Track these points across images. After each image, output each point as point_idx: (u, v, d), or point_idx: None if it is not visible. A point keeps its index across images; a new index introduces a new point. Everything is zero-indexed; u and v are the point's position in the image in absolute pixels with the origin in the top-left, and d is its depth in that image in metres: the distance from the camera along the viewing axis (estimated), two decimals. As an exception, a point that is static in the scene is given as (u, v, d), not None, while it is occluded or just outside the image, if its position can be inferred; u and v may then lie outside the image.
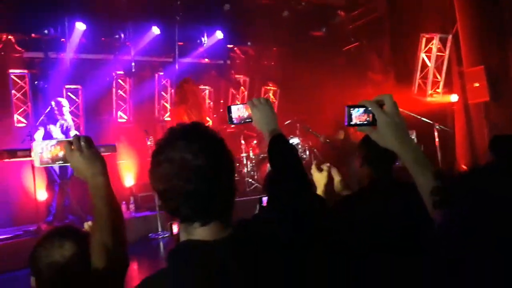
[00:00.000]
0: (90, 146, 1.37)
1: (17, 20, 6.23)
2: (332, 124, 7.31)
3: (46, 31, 6.44)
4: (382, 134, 1.17)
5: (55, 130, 5.84)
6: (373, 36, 8.22)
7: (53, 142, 1.37)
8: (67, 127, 5.98)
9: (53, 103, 5.94)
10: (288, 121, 7.20)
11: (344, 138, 7.19)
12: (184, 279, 0.99)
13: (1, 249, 4.99)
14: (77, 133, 6.15)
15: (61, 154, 1.36)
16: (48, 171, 5.76)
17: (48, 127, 5.84)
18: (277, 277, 1.04)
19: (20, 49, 6.62)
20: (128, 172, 7.42)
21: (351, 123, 1.23)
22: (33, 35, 6.60)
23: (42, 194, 5.98)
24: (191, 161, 1.01)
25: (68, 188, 5.92)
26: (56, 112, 5.91)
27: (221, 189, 1.05)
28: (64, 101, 6.08)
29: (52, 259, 1.36)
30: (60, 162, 1.36)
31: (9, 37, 6.48)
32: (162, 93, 8.27)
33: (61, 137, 5.82)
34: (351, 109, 1.22)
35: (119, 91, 7.80)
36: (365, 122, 1.22)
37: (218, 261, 1.00)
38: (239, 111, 1.53)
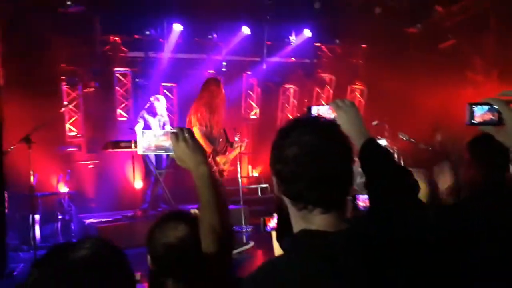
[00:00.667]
0: (193, 137, 1.45)
1: (123, 23, 6.80)
2: (426, 126, 6.91)
3: (147, 32, 6.97)
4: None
5: (154, 124, 6.29)
6: (473, 32, 7.60)
7: (161, 132, 1.46)
8: (164, 122, 6.43)
9: (152, 99, 6.40)
10: (376, 122, 6.94)
11: (441, 141, 6.76)
12: (310, 269, 0.99)
13: (103, 230, 5.54)
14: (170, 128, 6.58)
15: (166, 144, 1.45)
16: (145, 161, 6.22)
17: (147, 120, 6.32)
18: (401, 278, 1.02)
19: (124, 49, 7.24)
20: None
21: (473, 121, 1.16)
22: (136, 36, 7.18)
23: (139, 183, 6.51)
24: (321, 145, 1.03)
25: (162, 178, 6.36)
26: (156, 107, 6.35)
27: (345, 177, 1.05)
28: (161, 98, 6.52)
29: (167, 239, 1.46)
30: (162, 151, 1.46)
31: (116, 38, 7.13)
32: (249, 91, 8.50)
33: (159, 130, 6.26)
34: (474, 106, 1.16)
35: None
36: (490, 121, 1.15)
37: (342, 254, 0.99)
38: (319, 112, 1.47)
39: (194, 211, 1.79)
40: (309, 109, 1.50)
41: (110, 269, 1.04)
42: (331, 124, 1.12)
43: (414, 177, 1.32)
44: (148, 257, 1.52)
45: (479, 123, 1.17)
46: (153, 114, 6.35)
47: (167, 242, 1.46)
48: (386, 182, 1.30)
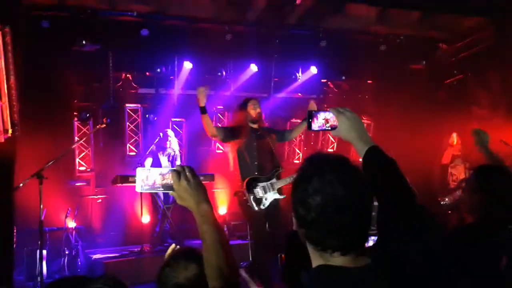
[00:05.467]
0: (194, 175, 1.42)
1: (134, 61, 7.03)
2: (430, 160, 6.88)
3: (158, 70, 7.15)
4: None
5: (163, 159, 6.36)
6: (479, 68, 7.69)
7: (162, 170, 1.43)
8: (173, 156, 6.49)
9: (161, 134, 6.50)
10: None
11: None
12: None
13: (110, 265, 5.50)
14: (179, 163, 6.64)
15: (167, 182, 1.41)
16: (153, 197, 6.26)
17: (158, 155, 6.39)
18: None
19: (135, 85, 7.44)
20: (223, 200, 7.75)
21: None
22: (147, 73, 7.39)
23: (146, 218, 6.50)
24: (343, 195, 1.04)
25: (170, 213, 6.36)
26: (168, 142, 6.45)
27: (365, 223, 1.07)
28: (170, 132, 6.63)
29: (177, 280, 1.46)
30: (162, 189, 1.42)
31: (127, 75, 7.33)
32: (257, 126, 8.61)
33: (167, 164, 6.32)
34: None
35: (218, 124, 8.29)
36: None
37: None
38: (321, 117, 1.44)
39: None
40: (310, 114, 1.45)
41: None
42: (355, 170, 1.11)
43: (412, 187, 1.31)
44: None
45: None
46: (163, 149, 6.42)
47: (176, 283, 1.45)
48: (388, 190, 1.28)
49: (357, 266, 1.04)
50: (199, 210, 1.39)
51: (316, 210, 1.04)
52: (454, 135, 6.66)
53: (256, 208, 4.51)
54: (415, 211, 1.25)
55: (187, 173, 1.41)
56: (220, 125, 4.64)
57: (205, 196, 1.42)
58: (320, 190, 1.05)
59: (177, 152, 6.60)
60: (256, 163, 4.61)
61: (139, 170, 1.41)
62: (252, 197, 4.55)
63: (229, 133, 4.65)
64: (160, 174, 1.42)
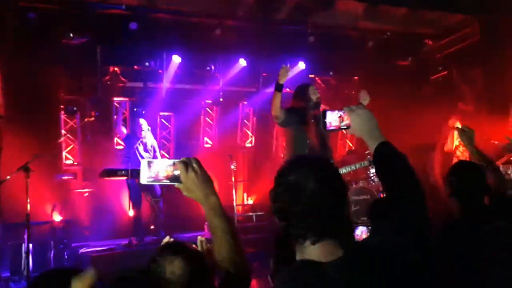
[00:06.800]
0: (201, 167, 1.40)
1: (123, 55, 6.96)
2: (415, 154, 6.99)
3: (146, 64, 7.11)
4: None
5: (141, 148, 6.31)
6: (464, 64, 7.83)
7: (168, 162, 1.39)
8: (152, 146, 6.42)
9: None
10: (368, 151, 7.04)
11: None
12: None
13: (97, 259, 5.49)
14: (158, 153, 6.57)
15: (171, 173, 1.38)
16: (135, 189, 6.19)
17: (137, 147, 6.31)
18: None
19: (123, 79, 7.38)
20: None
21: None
22: (135, 67, 7.34)
23: (132, 212, 6.48)
24: (303, 184, 1.11)
25: (161, 205, 6.34)
26: (142, 132, 6.36)
27: (330, 211, 1.11)
28: (142, 121, 6.46)
29: (163, 275, 1.45)
30: (166, 181, 1.38)
31: (115, 69, 7.27)
32: (245, 121, 8.65)
33: (148, 155, 6.27)
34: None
35: (206, 118, 8.31)
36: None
37: (329, 283, 1.04)
38: (334, 116, 1.46)
39: (201, 239, 1.77)
40: (324, 113, 1.47)
41: None
42: (323, 164, 1.19)
43: (421, 184, 1.31)
44: None
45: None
46: (137, 139, 6.32)
47: (163, 278, 1.45)
48: (398, 185, 1.29)
49: (329, 261, 1.07)
50: (208, 202, 1.39)
51: (279, 200, 1.14)
52: (455, 119, 6.77)
53: None
54: (421, 208, 1.26)
55: (194, 165, 1.38)
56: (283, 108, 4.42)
57: (212, 188, 1.41)
58: (282, 182, 1.14)
59: (154, 142, 6.53)
60: (311, 149, 4.40)
61: (143, 162, 1.39)
62: None
63: (290, 118, 4.41)
64: (164, 166, 1.39)
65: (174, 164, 1.39)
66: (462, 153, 6.60)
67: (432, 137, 7.36)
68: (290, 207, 1.11)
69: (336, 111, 1.46)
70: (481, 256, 1.84)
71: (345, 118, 1.44)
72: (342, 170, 4.65)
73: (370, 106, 8.04)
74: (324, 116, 1.46)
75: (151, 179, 1.37)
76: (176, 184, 1.38)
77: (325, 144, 4.56)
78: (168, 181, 1.38)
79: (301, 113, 4.46)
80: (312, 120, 4.48)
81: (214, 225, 1.39)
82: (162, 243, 1.68)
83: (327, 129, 1.45)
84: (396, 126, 7.59)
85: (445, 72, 8.25)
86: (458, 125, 6.26)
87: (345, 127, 1.45)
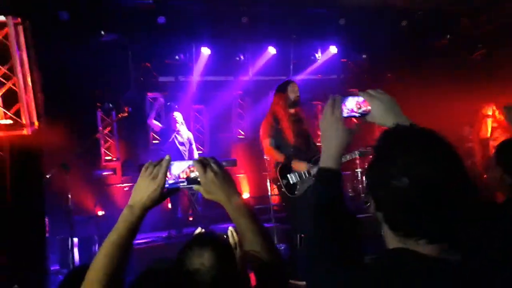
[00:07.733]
0: (220, 166, 1.31)
1: (154, 49, 7.05)
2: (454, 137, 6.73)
3: (177, 57, 7.16)
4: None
5: (178, 141, 6.40)
6: (503, 41, 7.42)
7: (184, 163, 1.30)
8: (188, 138, 6.50)
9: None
10: None
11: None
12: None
13: (138, 251, 5.61)
14: (194, 145, 6.64)
15: (189, 175, 1.29)
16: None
17: (174, 141, 6.41)
18: None
19: (155, 74, 7.48)
20: (245, 185, 7.80)
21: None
22: (166, 61, 7.41)
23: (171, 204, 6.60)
24: (432, 178, 0.92)
25: (199, 196, 6.42)
26: (177, 124, 6.43)
27: (457, 208, 0.94)
28: (176, 114, 6.57)
29: (192, 266, 1.41)
30: (185, 183, 1.29)
31: (147, 64, 7.37)
32: (276, 110, 8.56)
33: (182, 148, 6.35)
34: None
35: (238, 109, 8.30)
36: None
37: (443, 281, 0.91)
38: (351, 102, 1.32)
39: (231, 229, 1.75)
40: (344, 99, 1.33)
41: None
42: (446, 147, 0.98)
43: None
44: None
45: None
46: (173, 131, 6.40)
47: (193, 269, 1.41)
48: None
49: (445, 258, 0.93)
50: (231, 203, 1.31)
51: (400, 193, 0.92)
52: (493, 106, 6.49)
53: (289, 194, 4.42)
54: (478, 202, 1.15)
55: (212, 164, 1.29)
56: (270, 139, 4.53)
57: (235, 188, 1.32)
58: (405, 172, 0.93)
59: (189, 134, 6.60)
60: (292, 148, 4.43)
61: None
62: (285, 182, 4.45)
63: (276, 138, 4.48)
64: (183, 167, 1.29)
65: (191, 165, 1.29)
66: (496, 140, 6.31)
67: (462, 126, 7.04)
68: (414, 205, 0.92)
69: (351, 97, 1.32)
70: None
71: (363, 104, 1.30)
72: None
73: (406, 89, 7.83)
74: (344, 102, 1.31)
75: (172, 181, 1.29)
76: (194, 186, 1.29)
77: (309, 142, 4.56)
78: (186, 183, 1.29)
79: (279, 116, 4.50)
80: (292, 119, 4.50)
81: (243, 228, 1.32)
82: (194, 235, 1.67)
83: (344, 116, 1.31)
84: (434, 108, 7.34)
85: (484, 50, 7.85)
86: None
87: (363, 113, 1.31)
